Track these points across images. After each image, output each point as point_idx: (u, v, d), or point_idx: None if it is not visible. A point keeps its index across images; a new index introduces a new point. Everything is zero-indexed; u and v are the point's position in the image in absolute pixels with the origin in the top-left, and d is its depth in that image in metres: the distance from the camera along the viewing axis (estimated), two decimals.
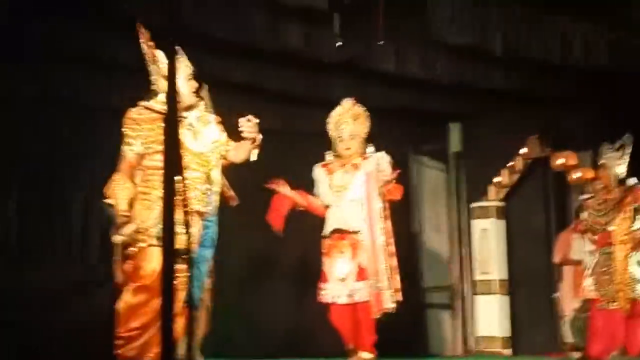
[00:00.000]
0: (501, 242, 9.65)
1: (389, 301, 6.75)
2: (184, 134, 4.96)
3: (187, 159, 4.92)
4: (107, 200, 4.77)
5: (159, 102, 5.02)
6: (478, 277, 9.70)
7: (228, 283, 7.44)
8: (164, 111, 4.76)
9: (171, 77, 2.85)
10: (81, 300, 3.44)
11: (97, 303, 3.56)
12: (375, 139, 9.80)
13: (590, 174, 7.67)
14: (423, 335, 10.14)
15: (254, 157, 5.43)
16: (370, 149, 6.97)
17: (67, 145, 7.83)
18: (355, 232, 6.75)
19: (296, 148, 8.95)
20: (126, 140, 4.92)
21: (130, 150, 4.90)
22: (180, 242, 4.65)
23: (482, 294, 9.62)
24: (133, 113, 4.98)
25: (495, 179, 9.73)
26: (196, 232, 4.92)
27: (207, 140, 5.13)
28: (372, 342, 6.80)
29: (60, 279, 3.67)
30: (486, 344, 9.46)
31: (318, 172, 7.00)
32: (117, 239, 4.71)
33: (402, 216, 10.07)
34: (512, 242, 9.72)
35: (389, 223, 6.92)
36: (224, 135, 5.22)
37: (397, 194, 6.94)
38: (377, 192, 6.79)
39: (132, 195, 4.80)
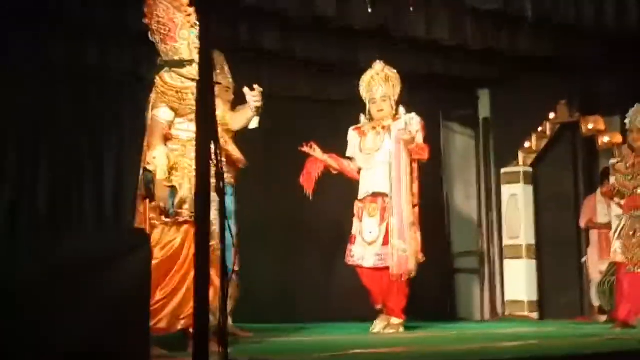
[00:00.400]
0: (529, 207, 9.68)
1: (413, 264, 6.80)
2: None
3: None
4: (147, 167, 4.77)
5: (186, 70, 5.06)
6: (506, 242, 9.74)
7: (257, 248, 7.55)
8: (192, 77, 4.82)
9: (204, 41, 2.93)
10: (114, 267, 3.46)
11: (131, 269, 3.58)
12: (405, 105, 9.90)
13: (618, 138, 7.68)
14: (452, 300, 10.22)
15: (254, 124, 5.46)
16: (402, 110, 7.01)
17: (95, 113, 7.95)
18: (385, 195, 6.81)
19: (328, 115, 9.01)
20: (155, 107, 4.89)
21: (160, 116, 4.87)
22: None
23: (510, 258, 9.66)
24: (160, 80, 4.95)
25: (524, 145, 9.74)
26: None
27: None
28: (402, 307, 6.88)
29: (92, 245, 3.74)
30: (513, 308, 9.51)
31: (351, 135, 7.09)
32: (154, 204, 4.76)
33: (432, 182, 10.14)
34: (540, 207, 9.75)
35: (416, 185, 6.94)
36: (222, 105, 5.30)
37: (423, 153, 6.93)
38: (406, 153, 6.81)
39: (170, 164, 4.77)
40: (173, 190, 4.75)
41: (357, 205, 6.95)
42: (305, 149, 6.92)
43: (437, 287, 10.01)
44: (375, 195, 6.86)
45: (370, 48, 8.79)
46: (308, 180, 6.93)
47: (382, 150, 6.87)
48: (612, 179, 7.53)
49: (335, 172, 7.06)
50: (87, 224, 7.83)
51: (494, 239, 10.18)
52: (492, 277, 10.15)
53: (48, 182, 7.64)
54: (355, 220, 6.95)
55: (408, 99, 9.86)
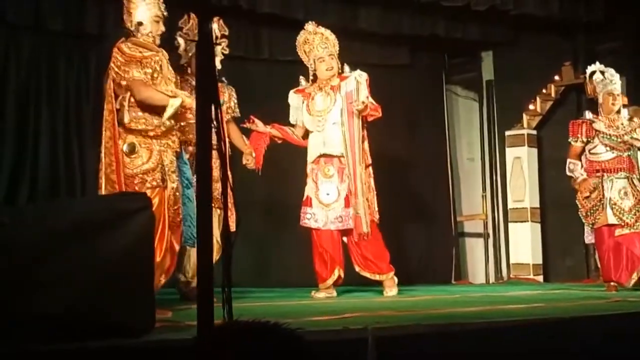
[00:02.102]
0: (534, 170, 9.65)
1: (366, 225, 6.68)
2: (167, 73, 5.09)
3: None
4: (150, 102, 4.94)
5: (149, 40, 5.11)
6: (511, 205, 9.72)
7: None
8: (150, 47, 5.06)
9: (202, 6, 2.89)
10: (118, 229, 3.47)
11: (134, 231, 3.59)
12: (409, 68, 9.84)
13: (624, 100, 7.61)
14: (457, 263, 10.22)
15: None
16: (347, 67, 6.89)
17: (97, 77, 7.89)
18: (340, 156, 6.74)
19: None
20: (125, 72, 4.97)
21: (137, 75, 4.96)
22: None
23: (515, 221, 9.65)
24: (126, 48, 5.03)
25: (528, 107, 9.69)
26: (177, 173, 5.13)
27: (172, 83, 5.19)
28: (382, 265, 6.84)
29: (96, 208, 3.73)
30: (518, 271, 9.51)
31: (294, 97, 6.96)
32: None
33: (436, 145, 10.13)
34: (544, 170, 9.72)
35: (367, 144, 6.84)
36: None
37: (377, 112, 6.76)
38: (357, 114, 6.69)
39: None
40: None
41: (311, 166, 6.83)
42: (247, 124, 6.81)
43: (441, 250, 10.02)
44: (329, 156, 6.77)
45: (372, 11, 8.73)
46: (256, 156, 6.76)
47: (334, 110, 6.75)
48: None
49: (280, 142, 6.94)
50: (90, 191, 7.80)
51: (498, 202, 10.17)
52: (497, 241, 10.15)
53: (49, 148, 7.59)
54: (309, 182, 6.82)
55: (410, 62, 9.89)
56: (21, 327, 3.18)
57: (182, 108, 5.02)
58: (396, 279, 6.91)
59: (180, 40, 6.42)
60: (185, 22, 6.38)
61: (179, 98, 4.97)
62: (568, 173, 7.41)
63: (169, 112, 4.93)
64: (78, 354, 3.09)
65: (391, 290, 6.82)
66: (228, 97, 6.51)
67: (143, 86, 4.96)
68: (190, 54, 6.36)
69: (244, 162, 6.66)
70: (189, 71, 6.33)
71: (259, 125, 6.83)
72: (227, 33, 6.38)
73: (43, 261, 3.31)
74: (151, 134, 5.00)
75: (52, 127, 7.63)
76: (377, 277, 6.88)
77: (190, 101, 4.97)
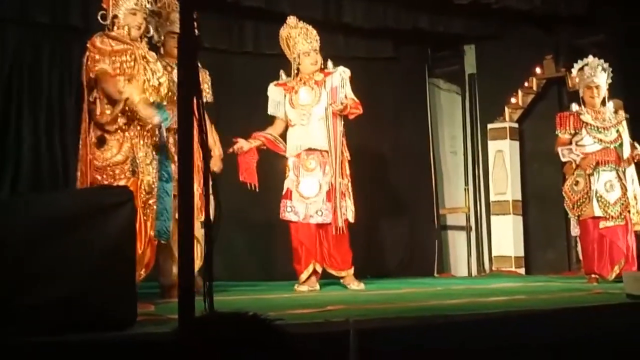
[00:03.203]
0: (515, 163, 9.68)
1: (342, 219, 6.70)
2: (140, 67, 5.05)
3: (147, 90, 5.05)
4: (122, 96, 4.87)
5: (123, 34, 5.10)
6: (493, 198, 9.76)
7: None
8: (130, 42, 5.06)
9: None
10: (100, 223, 3.48)
11: (114, 224, 3.59)
12: (392, 62, 9.85)
13: (605, 92, 7.65)
14: (439, 256, 10.24)
15: None
16: (330, 63, 6.91)
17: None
18: (322, 150, 6.74)
19: None
20: (95, 65, 4.97)
21: (105, 68, 4.95)
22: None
23: (497, 214, 9.68)
24: (98, 42, 5.02)
25: (510, 100, 9.72)
26: (155, 166, 5.09)
27: (157, 75, 5.17)
28: (348, 261, 6.86)
29: (78, 201, 3.74)
30: (500, 263, 9.55)
31: (275, 90, 6.94)
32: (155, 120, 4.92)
33: (419, 139, 10.15)
34: (526, 163, 9.76)
35: (344, 139, 6.84)
36: (165, 73, 5.28)
37: (359, 109, 6.81)
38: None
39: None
40: (160, 106, 4.85)
41: (292, 159, 6.81)
42: (232, 149, 6.72)
43: (424, 243, 10.05)
44: (312, 150, 6.77)
45: (357, 4, 8.74)
46: (250, 174, 6.73)
47: (319, 105, 6.76)
48: None
49: (263, 148, 6.89)
50: (73, 185, 7.76)
51: (480, 195, 10.20)
52: (479, 233, 10.19)
53: (32, 141, 7.55)
54: (290, 175, 6.80)
55: (394, 55, 9.90)
56: (1, 321, 3.17)
57: (131, 105, 4.93)
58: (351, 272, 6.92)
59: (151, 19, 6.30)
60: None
61: (126, 94, 4.88)
62: (564, 159, 7.38)
63: (116, 109, 4.92)
64: (59, 347, 3.09)
65: (356, 284, 6.83)
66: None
67: (106, 77, 4.95)
68: (162, 35, 6.20)
69: (211, 166, 6.18)
70: (161, 51, 6.15)
71: (244, 145, 6.75)
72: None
73: (24, 254, 3.31)
74: (123, 127, 4.98)
75: (35, 120, 7.58)
76: (340, 274, 6.89)
77: (138, 100, 4.88)
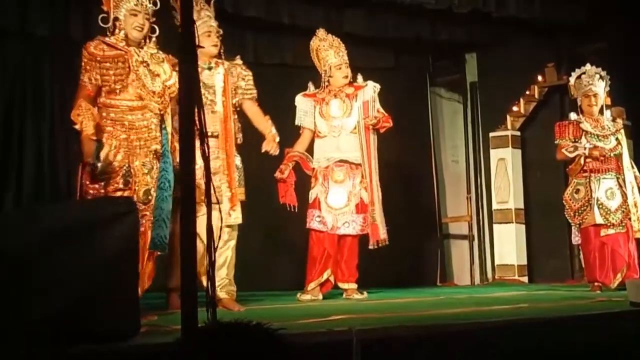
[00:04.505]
0: (518, 171, 9.67)
1: (383, 232, 6.79)
2: (141, 72, 4.97)
3: (145, 98, 4.97)
4: (74, 126, 4.79)
5: (119, 39, 5.03)
6: (495, 206, 9.75)
7: None
8: (123, 48, 4.98)
9: (186, 4, 2.89)
10: (103, 233, 3.48)
11: (117, 235, 3.58)
12: (393, 71, 9.85)
13: (607, 100, 7.66)
14: (442, 265, 10.23)
15: None
16: (359, 77, 6.98)
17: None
18: (353, 163, 6.79)
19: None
20: (83, 72, 4.92)
21: (85, 80, 4.90)
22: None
23: (500, 223, 9.66)
24: (92, 47, 4.96)
25: (512, 108, 9.72)
26: (155, 174, 4.98)
27: (160, 80, 5.07)
28: (356, 274, 6.89)
29: (82, 212, 3.73)
30: (502, 272, 9.53)
31: (304, 101, 6.95)
32: (97, 165, 4.74)
33: (420, 148, 10.14)
34: (528, 171, 9.75)
35: (376, 153, 6.90)
36: (175, 75, 5.08)
37: (389, 122, 6.94)
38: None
39: (97, 119, 4.81)
40: (99, 145, 4.76)
41: (320, 170, 6.82)
42: (280, 176, 6.72)
43: (426, 252, 10.03)
44: (342, 162, 6.80)
45: (357, 14, 8.75)
46: (290, 197, 6.75)
47: (351, 118, 6.81)
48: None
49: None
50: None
51: (483, 203, 10.19)
52: (482, 242, 10.17)
53: (35, 154, 7.55)
54: (317, 185, 6.80)
55: (395, 65, 9.90)
56: (5, 333, 3.17)
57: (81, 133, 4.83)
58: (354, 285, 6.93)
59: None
60: None
61: (77, 122, 4.79)
62: (571, 155, 7.33)
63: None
64: (63, 358, 3.09)
65: (358, 294, 6.84)
66: (237, 77, 6.04)
67: (80, 92, 4.90)
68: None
69: (265, 148, 6.02)
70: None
71: (285, 171, 6.76)
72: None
73: (27, 266, 3.31)
74: (116, 133, 4.90)
75: (37, 131, 7.58)
76: (345, 286, 6.89)
77: (85, 135, 4.76)
